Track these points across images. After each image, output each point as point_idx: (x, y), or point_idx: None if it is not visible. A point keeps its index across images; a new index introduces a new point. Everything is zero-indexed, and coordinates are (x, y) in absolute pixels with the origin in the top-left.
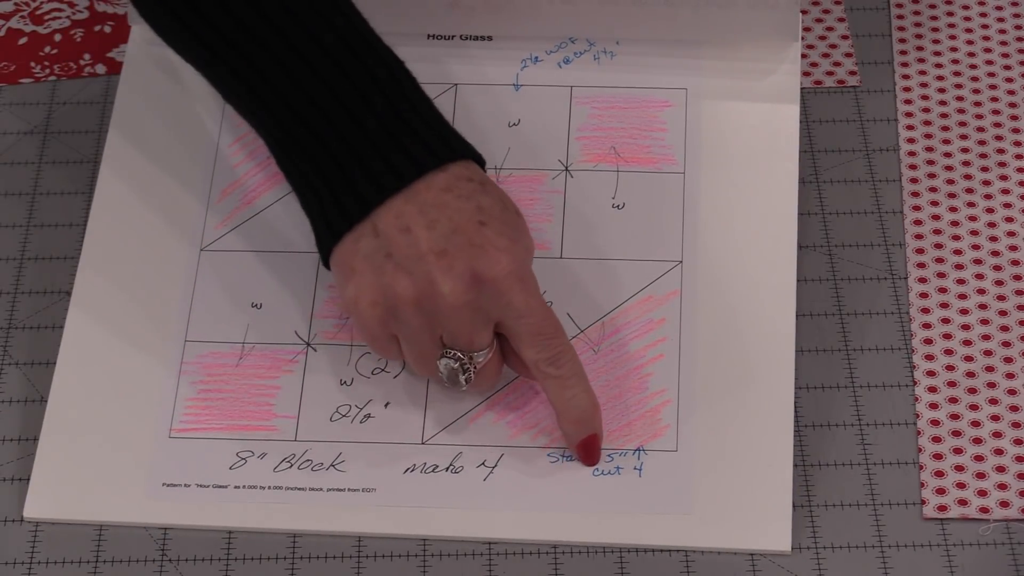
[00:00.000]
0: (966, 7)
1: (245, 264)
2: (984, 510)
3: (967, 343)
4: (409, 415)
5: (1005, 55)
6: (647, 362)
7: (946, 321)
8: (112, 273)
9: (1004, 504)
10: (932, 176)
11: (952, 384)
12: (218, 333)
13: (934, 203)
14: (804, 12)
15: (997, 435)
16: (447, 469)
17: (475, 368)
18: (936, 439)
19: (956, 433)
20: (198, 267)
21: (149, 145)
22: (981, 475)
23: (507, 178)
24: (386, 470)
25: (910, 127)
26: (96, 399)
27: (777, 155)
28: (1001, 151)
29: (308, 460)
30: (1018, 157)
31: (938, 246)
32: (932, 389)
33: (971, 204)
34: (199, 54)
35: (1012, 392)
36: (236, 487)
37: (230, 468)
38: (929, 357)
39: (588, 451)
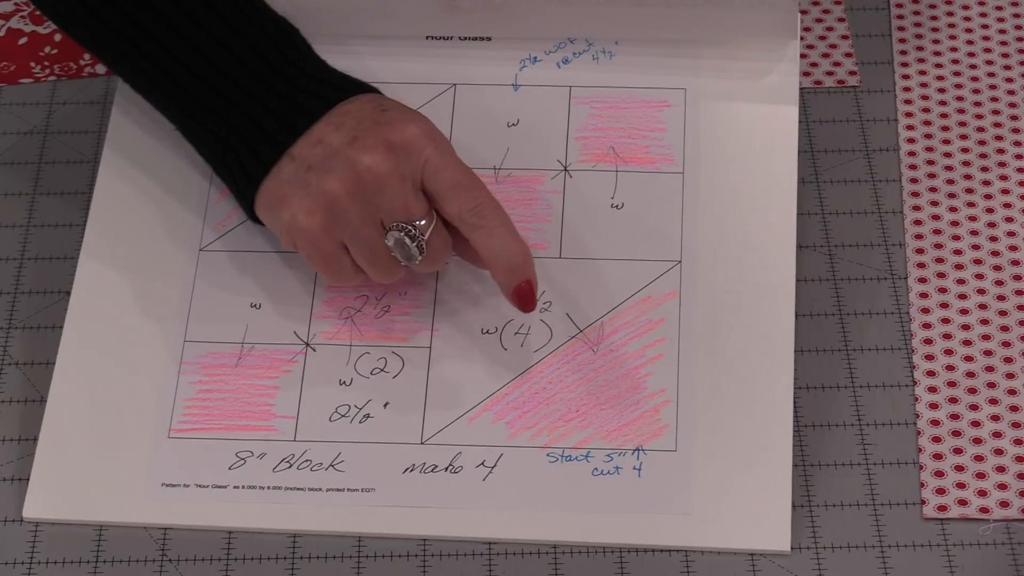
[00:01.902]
0: (966, 7)
1: (244, 264)
2: (984, 510)
3: (967, 343)
4: (408, 415)
5: (1005, 55)
6: (646, 362)
7: (946, 321)
8: (111, 273)
9: (1004, 504)
10: (932, 176)
11: (952, 384)
12: (217, 333)
13: (934, 203)
14: (804, 12)
15: (997, 435)
16: (446, 469)
17: (423, 236)
18: (936, 439)
19: (956, 433)
20: (197, 267)
21: (148, 146)
22: (981, 475)
23: (506, 178)
24: (385, 470)
25: (910, 127)
26: (95, 399)
27: (776, 155)
28: (1001, 151)
29: (307, 460)
30: (1018, 157)
31: (938, 246)
32: (932, 389)
33: (971, 204)
34: (103, 46)
35: (1012, 392)
36: (235, 487)
37: (229, 468)
38: (929, 357)
39: (523, 297)
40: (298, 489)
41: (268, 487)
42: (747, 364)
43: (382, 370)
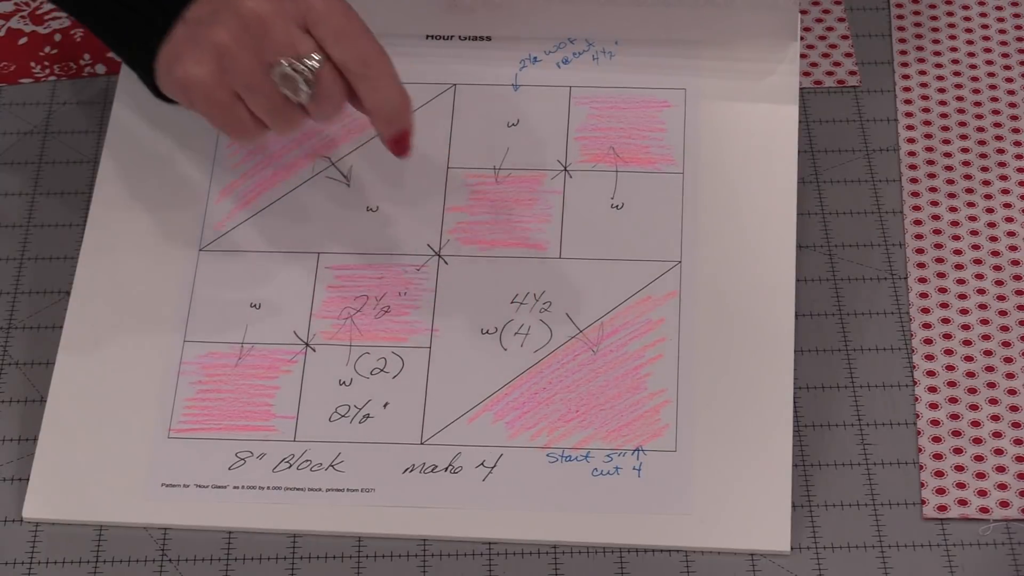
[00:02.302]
0: (966, 7)
1: (244, 264)
2: (984, 510)
3: (967, 343)
4: (408, 415)
5: (1005, 55)
6: (646, 362)
7: (946, 321)
8: (111, 273)
9: (1004, 504)
10: (932, 176)
11: (952, 384)
12: (217, 333)
13: (934, 203)
14: (804, 12)
15: (997, 435)
16: (446, 469)
17: (310, 72)
18: (936, 439)
19: (956, 433)
20: (197, 267)
21: (148, 145)
22: (981, 475)
23: (506, 178)
24: (385, 470)
25: (910, 127)
26: (95, 399)
27: (776, 155)
28: (1001, 151)
29: (307, 460)
30: (1018, 157)
31: (938, 246)
32: (932, 389)
33: (971, 204)
34: None
35: (1012, 392)
36: (235, 487)
37: (229, 468)
38: (929, 357)
39: (399, 145)
40: (298, 489)
41: (268, 487)
42: (747, 364)
43: (382, 370)
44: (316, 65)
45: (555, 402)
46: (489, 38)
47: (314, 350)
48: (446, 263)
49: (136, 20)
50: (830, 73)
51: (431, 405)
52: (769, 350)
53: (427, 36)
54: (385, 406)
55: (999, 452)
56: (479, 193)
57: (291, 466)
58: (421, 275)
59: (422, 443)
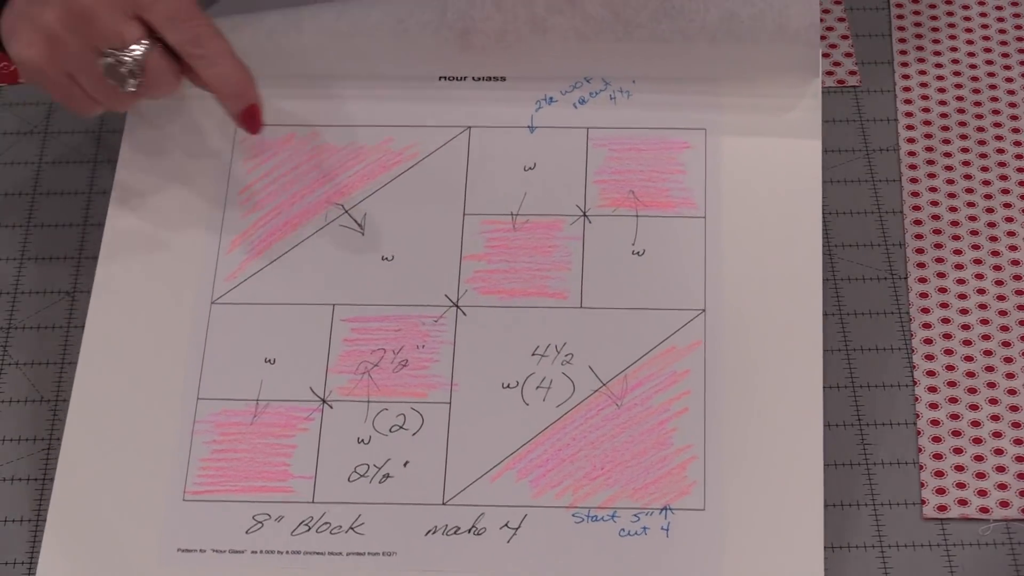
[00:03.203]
0: (966, 7)
1: (257, 317)
2: (984, 510)
3: (967, 343)
4: (429, 474)
5: (1005, 55)
6: (671, 416)
7: (946, 321)
8: (121, 329)
9: (1004, 504)
10: (932, 176)
11: (952, 384)
12: (231, 390)
13: (934, 203)
14: None
15: (997, 435)
16: (469, 531)
17: (134, 62)
18: (936, 439)
19: (956, 433)
20: (209, 321)
21: (156, 194)
22: (981, 475)
23: (524, 224)
24: (407, 532)
25: (910, 127)
26: (107, 461)
27: (799, 194)
28: (1001, 151)
29: (327, 523)
30: (1018, 157)
31: (938, 246)
32: (932, 389)
33: (971, 204)
34: None
35: (1012, 392)
36: (253, 552)
37: (247, 532)
38: (929, 357)
39: (250, 120)
40: (318, 553)
41: (287, 552)
42: (775, 416)
43: (401, 427)
44: (140, 55)
45: (579, 459)
46: (504, 78)
47: (331, 407)
48: (464, 314)
49: None
50: (830, 73)
51: (452, 463)
52: (797, 401)
53: (440, 77)
54: (405, 465)
55: (999, 452)
56: (496, 240)
57: (310, 529)
58: (439, 327)
59: (444, 503)
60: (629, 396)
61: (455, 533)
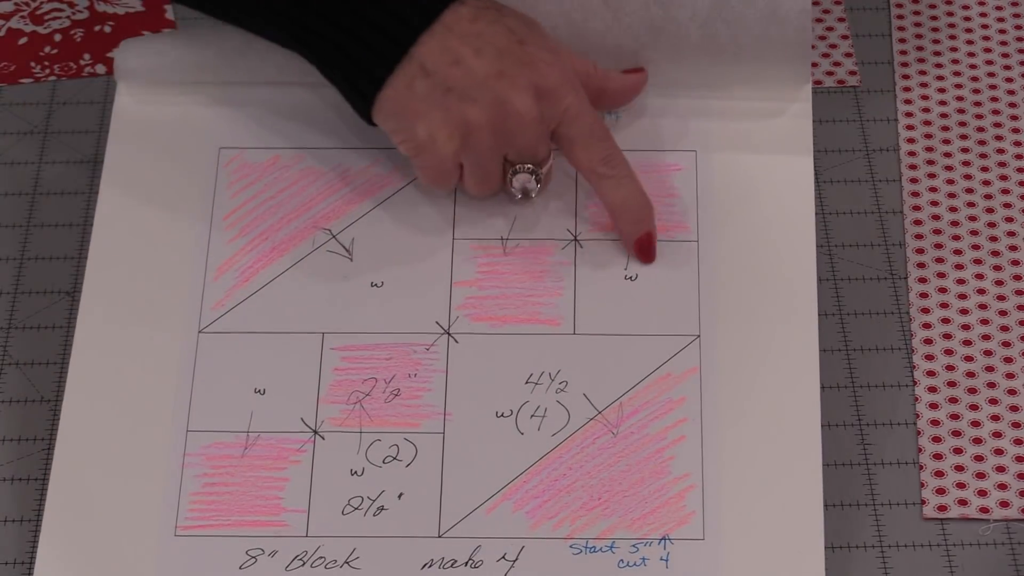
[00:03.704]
0: (966, 7)
1: (245, 346)
2: (984, 510)
3: (967, 343)
4: (424, 506)
5: (1005, 55)
6: (668, 444)
7: (946, 321)
8: (107, 361)
9: (1004, 504)
10: (932, 176)
11: (952, 384)
12: (221, 422)
13: (934, 203)
14: None
15: (997, 435)
16: (466, 563)
17: (544, 178)
18: (936, 439)
19: (956, 433)
20: (197, 350)
21: (139, 222)
22: (981, 475)
23: (514, 249)
24: (403, 566)
25: (910, 127)
26: (97, 497)
27: (792, 213)
28: (1001, 151)
29: (321, 557)
30: (1018, 157)
31: (938, 246)
32: (932, 389)
33: (971, 204)
34: None
35: (1012, 392)
36: None
37: (240, 567)
38: (929, 357)
39: (644, 249)
40: None
41: None
42: (773, 442)
43: (394, 458)
44: (546, 169)
45: (576, 489)
46: None
47: (323, 438)
48: (456, 341)
49: (359, 47)
50: (830, 73)
51: (447, 495)
52: (795, 426)
53: None
54: (400, 497)
55: (999, 452)
56: (487, 266)
57: (304, 563)
58: (431, 355)
59: (440, 536)
60: (625, 424)
61: (452, 566)
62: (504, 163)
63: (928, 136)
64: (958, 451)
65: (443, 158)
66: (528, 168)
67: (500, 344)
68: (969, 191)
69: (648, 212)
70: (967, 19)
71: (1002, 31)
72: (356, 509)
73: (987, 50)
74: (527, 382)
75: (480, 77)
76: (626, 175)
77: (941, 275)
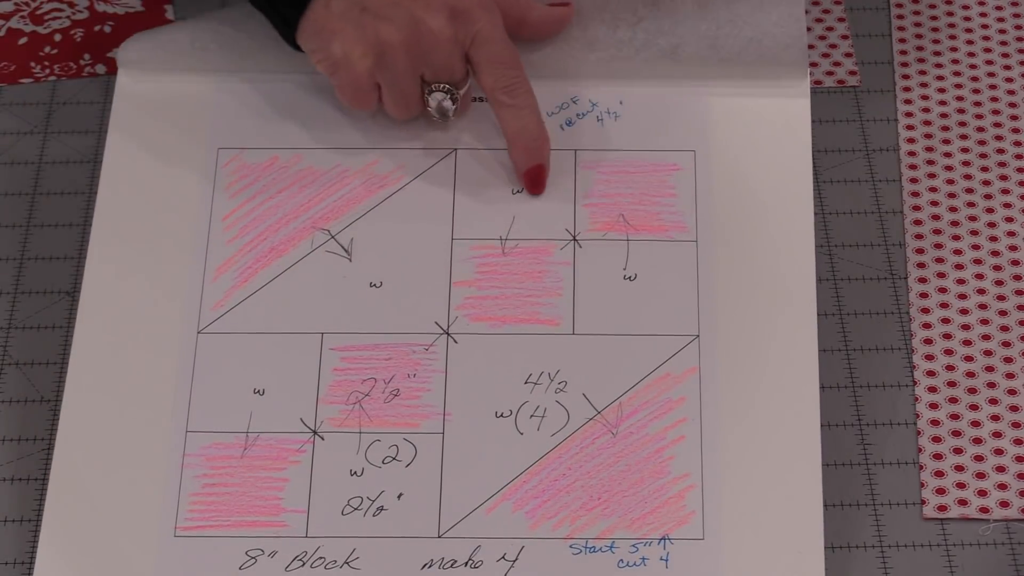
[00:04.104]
0: (966, 7)
1: (245, 347)
2: (984, 510)
3: (967, 343)
4: (424, 506)
5: (1005, 55)
6: (668, 444)
7: (946, 321)
8: (106, 362)
9: (1004, 504)
10: (932, 176)
11: (952, 384)
12: (221, 422)
13: (934, 203)
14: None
15: (997, 435)
16: (466, 564)
17: (460, 100)
18: (936, 439)
19: (956, 433)
20: (196, 351)
21: (137, 223)
22: (981, 475)
23: (513, 249)
24: (403, 566)
25: (910, 127)
26: (97, 498)
27: (792, 213)
28: (1001, 151)
29: (321, 557)
30: (1018, 157)
31: (938, 246)
32: (932, 389)
33: (971, 204)
34: None
35: (1012, 392)
36: None
37: (240, 568)
38: (929, 357)
39: (534, 180)
40: None
41: None
42: (773, 442)
43: (394, 458)
44: (464, 90)
45: (576, 489)
46: None
47: (322, 438)
48: (455, 341)
49: None
50: (830, 73)
51: (447, 495)
52: (794, 426)
53: None
54: (399, 497)
55: (999, 452)
56: (486, 266)
57: (304, 564)
58: (430, 355)
59: (439, 536)
60: (624, 424)
61: (452, 566)
62: (422, 84)
63: (928, 136)
64: (958, 451)
65: (358, 75)
66: (444, 88)
67: (499, 344)
68: (969, 191)
69: (542, 144)
70: (967, 19)
71: (1002, 31)
72: (356, 509)
73: (987, 50)
74: (526, 382)
75: None
76: (526, 105)
77: (941, 275)
